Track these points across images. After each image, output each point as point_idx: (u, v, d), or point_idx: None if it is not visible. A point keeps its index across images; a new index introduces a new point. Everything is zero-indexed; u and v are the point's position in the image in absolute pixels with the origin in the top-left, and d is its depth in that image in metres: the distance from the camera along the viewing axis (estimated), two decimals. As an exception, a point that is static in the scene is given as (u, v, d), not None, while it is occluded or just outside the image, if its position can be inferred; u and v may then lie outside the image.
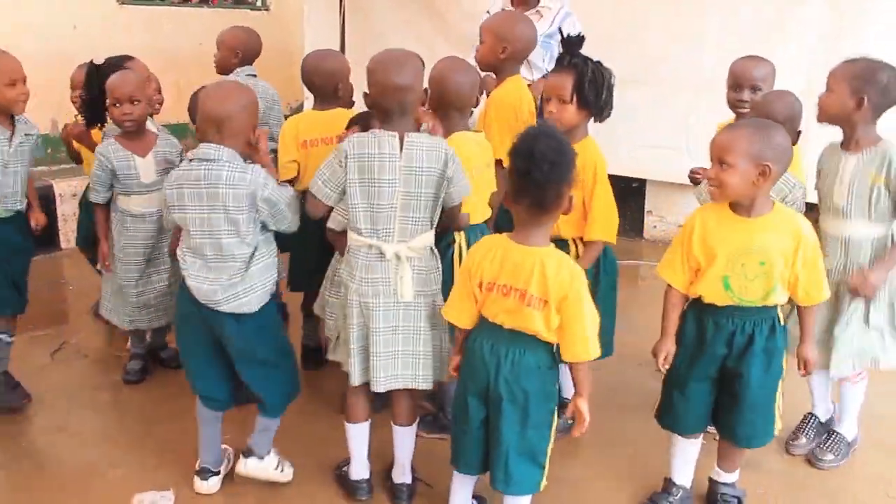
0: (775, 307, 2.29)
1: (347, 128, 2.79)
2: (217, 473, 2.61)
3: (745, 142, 2.14)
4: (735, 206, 2.24)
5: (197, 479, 2.60)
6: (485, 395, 2.17)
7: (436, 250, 2.40)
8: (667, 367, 2.40)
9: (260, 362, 2.45)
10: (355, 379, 2.38)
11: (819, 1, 4.53)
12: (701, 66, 4.76)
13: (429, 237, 2.35)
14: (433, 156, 2.26)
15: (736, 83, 2.86)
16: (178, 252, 2.43)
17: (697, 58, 4.79)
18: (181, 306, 2.47)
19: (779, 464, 2.81)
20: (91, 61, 3.23)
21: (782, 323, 2.32)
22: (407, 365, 2.36)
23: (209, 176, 2.28)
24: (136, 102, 2.97)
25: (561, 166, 2.01)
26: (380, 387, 2.35)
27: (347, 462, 2.60)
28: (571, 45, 2.65)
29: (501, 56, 2.93)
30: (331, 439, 2.82)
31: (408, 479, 2.56)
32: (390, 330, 2.32)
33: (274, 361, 2.49)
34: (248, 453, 2.58)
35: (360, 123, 2.68)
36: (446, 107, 2.59)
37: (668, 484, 2.54)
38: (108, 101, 2.99)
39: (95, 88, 3.23)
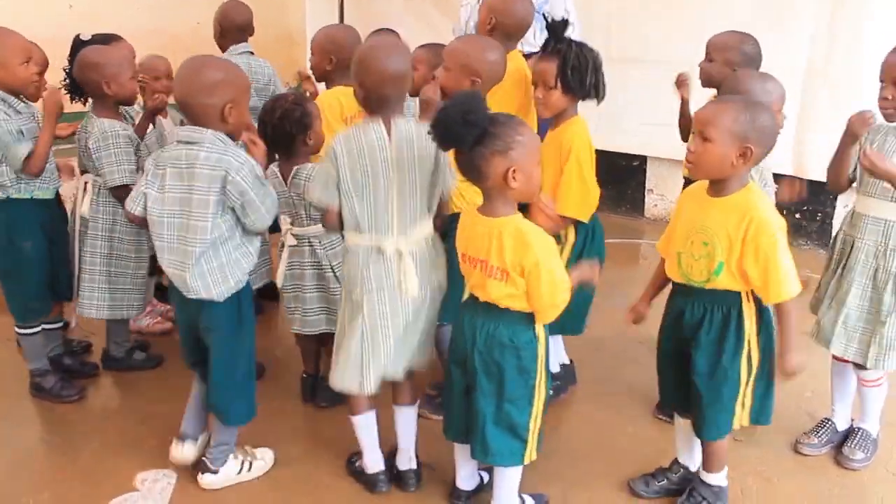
0: (735, 296, 2.15)
1: None
2: (195, 440, 2.58)
3: (730, 119, 2.04)
4: (709, 184, 2.18)
5: (174, 443, 2.58)
6: (464, 365, 2.19)
7: (437, 237, 2.36)
8: (631, 322, 2.43)
9: (226, 365, 2.40)
10: (369, 387, 2.31)
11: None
12: (702, 43, 4.72)
13: (428, 226, 2.31)
14: (423, 142, 2.19)
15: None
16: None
17: (699, 35, 4.73)
18: (171, 287, 2.44)
19: (778, 442, 2.80)
20: (78, 35, 3.24)
21: (748, 317, 2.16)
22: (399, 358, 2.32)
23: (189, 156, 2.24)
24: None
25: (440, 127, 1.97)
26: (375, 385, 2.32)
27: (358, 454, 2.56)
28: (556, 29, 2.63)
29: (488, 27, 2.90)
30: (325, 422, 2.84)
31: (413, 465, 2.53)
32: (396, 326, 2.28)
33: (237, 373, 2.43)
34: (202, 469, 2.52)
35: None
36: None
37: (673, 463, 2.54)
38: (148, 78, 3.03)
39: None
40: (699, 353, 2.20)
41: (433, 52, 2.89)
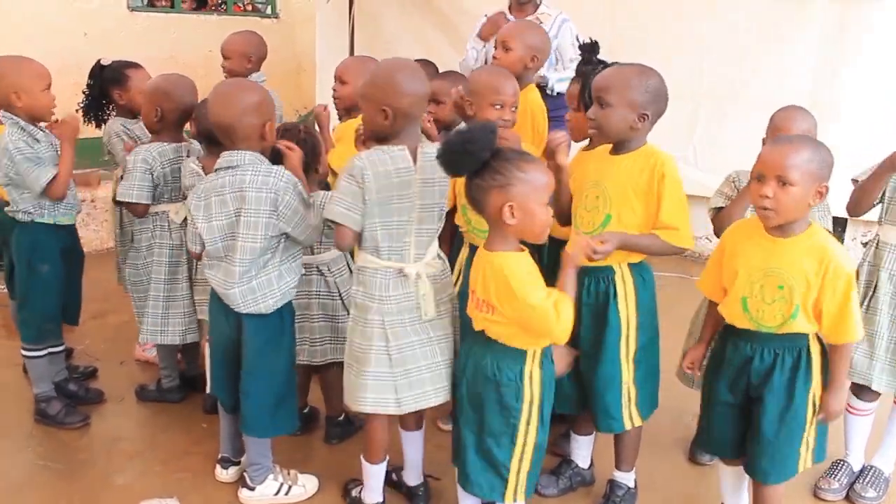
0: (804, 337, 2.09)
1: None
2: (237, 464, 2.68)
3: (805, 159, 1.94)
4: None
5: (218, 468, 2.69)
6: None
7: (441, 252, 2.37)
8: (690, 371, 2.38)
9: (263, 378, 2.43)
10: (389, 408, 2.29)
11: (818, 8, 4.49)
12: (702, 73, 4.73)
13: (436, 245, 2.33)
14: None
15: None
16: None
17: (698, 65, 4.76)
18: (212, 305, 2.51)
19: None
20: (99, 61, 3.33)
21: (815, 357, 2.10)
22: (434, 379, 2.30)
23: (234, 182, 2.30)
24: None
25: (444, 153, 1.97)
26: (409, 406, 2.28)
27: (355, 482, 2.57)
28: (585, 52, 2.62)
29: (530, 66, 2.97)
30: (325, 450, 2.82)
31: (421, 479, 2.54)
32: (418, 344, 2.27)
33: (277, 381, 2.46)
34: (242, 483, 2.60)
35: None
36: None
37: None
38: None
39: (97, 88, 3.31)
40: (772, 397, 2.11)
41: (455, 81, 2.89)
